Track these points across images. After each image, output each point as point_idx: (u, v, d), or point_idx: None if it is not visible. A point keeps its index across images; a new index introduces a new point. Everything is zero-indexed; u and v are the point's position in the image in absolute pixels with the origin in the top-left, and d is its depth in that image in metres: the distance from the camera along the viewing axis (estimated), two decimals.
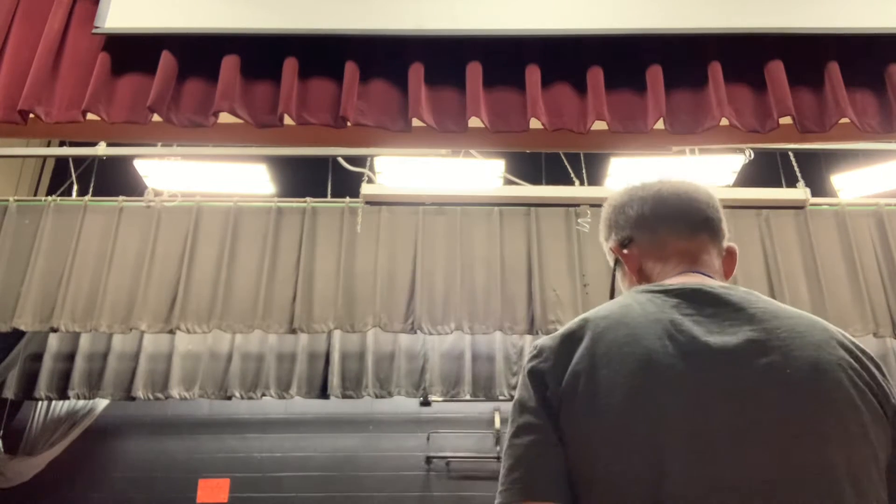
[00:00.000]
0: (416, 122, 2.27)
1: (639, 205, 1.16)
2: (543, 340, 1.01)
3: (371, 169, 4.62)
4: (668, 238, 1.12)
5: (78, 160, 5.10)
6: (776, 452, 0.87)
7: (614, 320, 0.98)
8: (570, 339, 0.98)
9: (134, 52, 2.32)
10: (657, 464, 0.87)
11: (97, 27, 2.31)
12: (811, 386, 0.91)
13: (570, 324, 1.01)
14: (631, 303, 1.02)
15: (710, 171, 4.56)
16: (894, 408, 0.95)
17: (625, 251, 1.16)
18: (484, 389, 5.13)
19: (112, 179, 5.07)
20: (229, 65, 2.27)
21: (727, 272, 1.16)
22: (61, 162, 5.73)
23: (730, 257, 1.16)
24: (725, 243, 1.16)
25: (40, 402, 5.46)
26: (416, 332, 4.44)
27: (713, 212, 1.14)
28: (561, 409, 0.94)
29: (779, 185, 4.88)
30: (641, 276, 1.14)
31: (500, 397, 5.19)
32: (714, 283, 1.05)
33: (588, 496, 0.90)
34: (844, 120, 2.22)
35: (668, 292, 1.02)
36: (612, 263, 1.20)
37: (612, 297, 1.17)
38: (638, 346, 0.93)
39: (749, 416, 0.89)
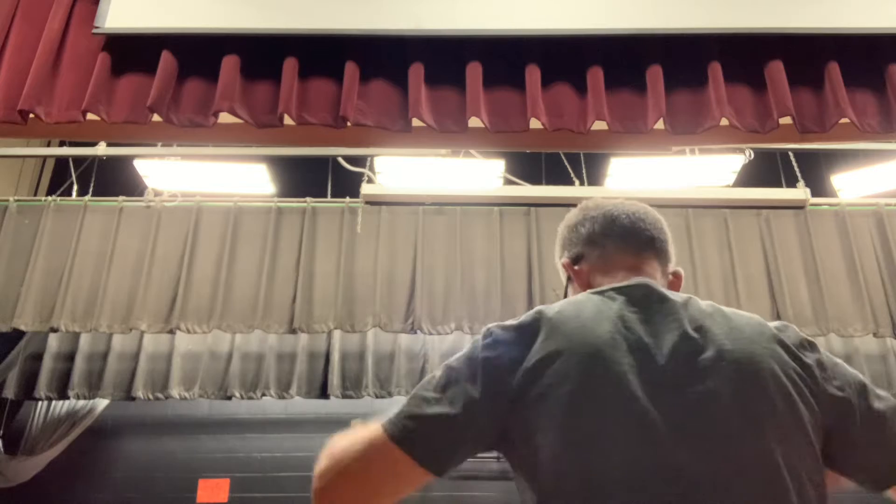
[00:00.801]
0: (416, 122, 2.27)
1: (590, 223, 1.22)
2: (497, 331, 1.04)
3: (371, 169, 4.62)
4: (616, 254, 1.18)
5: (78, 160, 5.10)
6: (718, 444, 0.91)
7: (568, 315, 1.02)
8: (526, 332, 1.02)
9: (134, 52, 2.33)
10: (604, 451, 0.91)
11: (97, 27, 2.31)
12: (746, 379, 0.96)
13: (524, 316, 1.05)
14: (584, 300, 1.07)
15: (710, 171, 4.56)
16: (829, 398, 0.99)
17: (576, 267, 1.21)
18: None
19: (112, 179, 5.07)
20: (229, 65, 2.27)
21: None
22: (61, 162, 5.73)
23: (676, 280, 1.21)
24: (672, 267, 1.21)
25: (40, 402, 5.45)
26: (416, 332, 4.44)
27: (659, 233, 1.20)
28: (516, 402, 0.96)
29: (779, 185, 4.88)
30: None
31: None
32: (657, 284, 1.10)
33: (538, 485, 0.93)
34: (844, 120, 2.22)
35: (616, 290, 1.08)
36: (564, 280, 1.26)
37: None
38: (588, 340, 0.98)
39: (691, 409, 0.94)
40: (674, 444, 0.91)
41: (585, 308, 1.04)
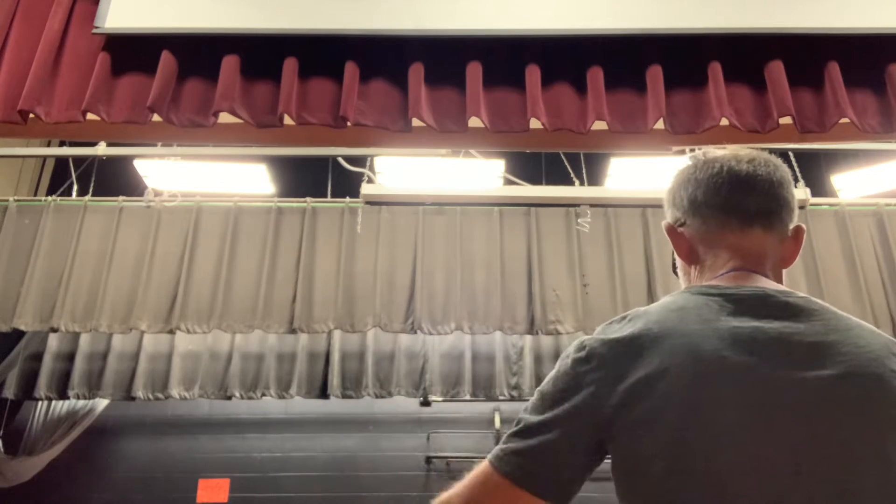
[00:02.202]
0: (416, 122, 2.27)
1: (693, 188, 1.10)
2: (593, 344, 0.97)
3: (371, 169, 4.62)
4: (719, 230, 1.07)
5: (78, 160, 5.10)
6: (838, 475, 0.85)
7: (669, 328, 0.94)
8: (623, 347, 0.94)
9: (134, 52, 2.32)
10: (717, 485, 0.85)
11: (97, 27, 2.31)
12: (872, 404, 0.89)
13: (620, 329, 0.97)
14: (685, 305, 0.97)
15: None
16: None
17: (678, 229, 1.12)
18: (484, 389, 5.13)
19: (112, 179, 5.07)
20: (229, 65, 2.27)
21: (788, 257, 1.10)
22: (61, 162, 5.73)
23: (794, 240, 1.09)
24: (791, 227, 1.09)
25: (40, 402, 5.46)
26: (416, 332, 4.44)
27: (773, 202, 1.07)
28: (615, 422, 0.92)
29: None
30: (691, 260, 1.11)
31: (501, 397, 5.19)
32: (772, 288, 1.00)
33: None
34: (844, 120, 2.21)
35: (725, 297, 0.97)
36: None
37: (673, 270, 1.16)
38: (693, 359, 0.90)
39: (811, 437, 0.86)
40: (792, 476, 0.84)
41: (689, 318, 0.94)
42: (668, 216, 1.15)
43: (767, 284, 1.01)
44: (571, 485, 0.95)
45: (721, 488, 0.85)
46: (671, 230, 1.13)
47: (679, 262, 1.14)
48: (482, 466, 0.97)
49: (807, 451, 0.86)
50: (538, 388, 1.00)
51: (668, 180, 1.17)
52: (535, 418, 0.96)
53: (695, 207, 1.09)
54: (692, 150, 1.22)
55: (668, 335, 0.92)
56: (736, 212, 1.06)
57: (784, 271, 1.11)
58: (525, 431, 0.96)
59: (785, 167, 1.12)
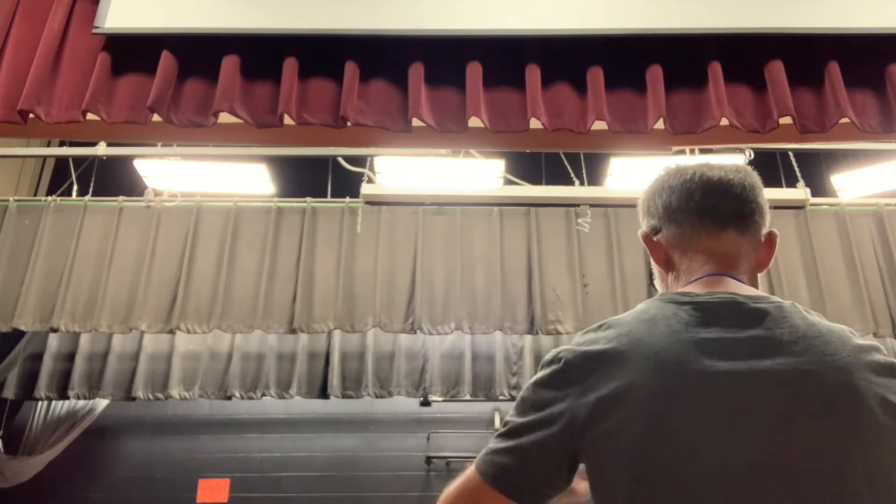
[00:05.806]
0: (416, 122, 2.27)
1: (667, 194, 1.12)
2: (567, 357, 0.98)
3: (371, 169, 4.62)
4: (694, 234, 1.08)
5: (78, 160, 5.10)
6: (800, 485, 0.86)
7: (638, 339, 0.95)
8: (594, 361, 0.96)
9: (134, 52, 2.32)
10: (684, 497, 0.86)
11: (97, 27, 2.31)
12: (837, 414, 0.89)
13: (594, 340, 0.99)
14: (656, 315, 0.98)
15: None
16: None
17: (654, 239, 1.14)
18: (484, 389, 5.13)
19: (112, 179, 5.07)
20: (229, 65, 2.27)
21: (762, 262, 1.10)
22: (61, 162, 5.73)
23: (768, 245, 1.10)
24: (764, 232, 1.10)
25: (40, 402, 5.46)
26: (416, 332, 4.44)
27: (746, 205, 1.08)
28: (585, 435, 0.93)
29: (779, 185, 4.88)
30: (668, 267, 1.13)
31: (500, 397, 5.19)
32: (744, 295, 1.00)
33: None
34: (844, 120, 2.21)
35: (695, 305, 0.99)
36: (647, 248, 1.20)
37: (650, 280, 1.19)
38: (662, 370, 0.91)
39: (775, 447, 0.87)
40: (753, 489, 0.85)
41: (657, 329, 0.96)
42: (644, 225, 1.17)
43: (739, 290, 1.02)
44: (544, 489, 0.97)
45: (687, 500, 0.86)
46: (647, 239, 1.15)
47: (656, 269, 1.17)
48: (470, 467, 1.02)
49: (770, 461, 0.86)
50: (520, 393, 1.03)
51: (642, 191, 1.19)
52: (515, 420, 0.99)
53: (669, 214, 1.11)
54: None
55: (636, 347, 0.94)
56: (710, 215, 1.08)
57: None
58: (506, 434, 0.99)
59: (756, 174, 1.13)
